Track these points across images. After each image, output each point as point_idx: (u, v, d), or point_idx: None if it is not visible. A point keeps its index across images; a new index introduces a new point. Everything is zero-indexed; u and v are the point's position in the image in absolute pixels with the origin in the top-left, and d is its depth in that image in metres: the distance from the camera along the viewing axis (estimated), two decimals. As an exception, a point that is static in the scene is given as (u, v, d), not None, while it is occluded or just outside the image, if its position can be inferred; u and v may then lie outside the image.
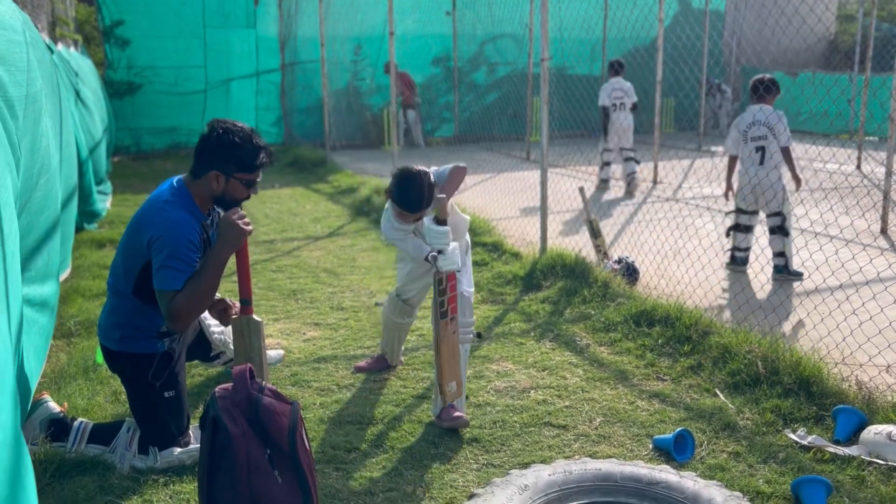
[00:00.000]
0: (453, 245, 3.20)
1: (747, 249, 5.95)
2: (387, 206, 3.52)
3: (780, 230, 5.71)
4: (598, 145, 10.02)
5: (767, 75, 5.84)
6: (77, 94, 7.72)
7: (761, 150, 5.69)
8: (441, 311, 3.22)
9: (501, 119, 14.10)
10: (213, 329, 3.61)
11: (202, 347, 3.60)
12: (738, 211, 5.88)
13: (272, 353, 4.19)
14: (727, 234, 5.98)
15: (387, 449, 3.24)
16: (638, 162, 9.62)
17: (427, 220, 3.24)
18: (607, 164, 9.90)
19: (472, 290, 3.57)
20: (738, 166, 5.96)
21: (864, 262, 5.44)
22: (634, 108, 9.70)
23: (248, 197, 3.07)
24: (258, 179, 3.05)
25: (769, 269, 5.82)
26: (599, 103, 9.72)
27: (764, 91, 5.78)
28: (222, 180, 2.97)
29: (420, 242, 3.50)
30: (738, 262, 5.96)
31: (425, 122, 15.52)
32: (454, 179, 3.44)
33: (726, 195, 6.09)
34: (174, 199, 2.95)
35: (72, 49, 9.40)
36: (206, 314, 3.60)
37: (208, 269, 2.88)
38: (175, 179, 3.06)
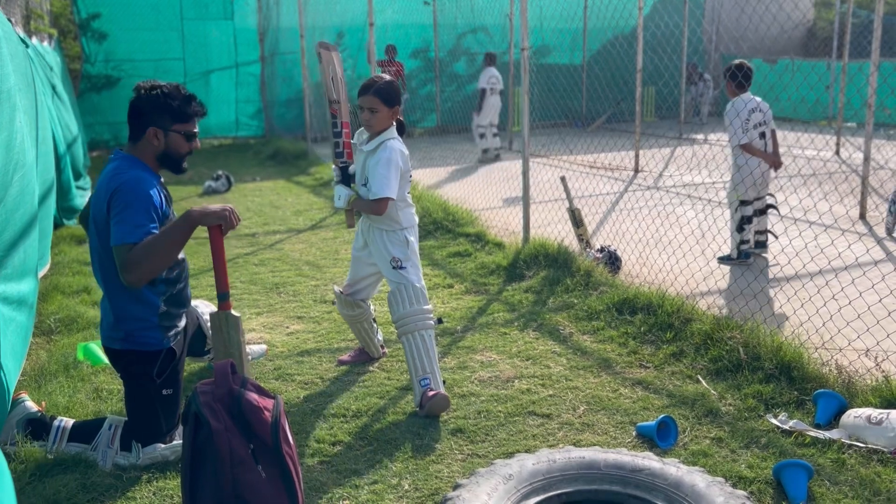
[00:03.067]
0: (343, 193, 3.66)
1: (766, 231, 5.95)
2: None
3: (770, 209, 5.88)
4: (472, 122, 11.87)
5: (745, 62, 5.82)
6: (53, 88, 7.62)
7: (763, 136, 5.74)
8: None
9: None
10: (210, 323, 3.58)
11: (196, 342, 3.58)
12: (745, 203, 5.71)
13: (255, 348, 4.17)
14: (739, 230, 5.73)
15: (371, 441, 3.24)
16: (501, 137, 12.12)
17: (347, 182, 3.71)
18: (482, 136, 11.78)
19: (423, 283, 3.67)
20: (731, 158, 5.94)
21: (843, 248, 5.49)
22: (502, 93, 11.99)
23: (190, 151, 3.08)
24: (196, 130, 3.07)
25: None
26: (478, 86, 11.90)
27: (746, 78, 5.75)
28: (161, 136, 2.98)
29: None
30: (762, 245, 5.91)
31: (407, 113, 15.45)
32: (371, 206, 3.54)
33: (778, 166, 5.80)
34: (124, 164, 2.95)
35: (45, 43, 9.27)
36: (202, 309, 3.57)
37: (174, 227, 2.86)
38: (115, 153, 3.07)
